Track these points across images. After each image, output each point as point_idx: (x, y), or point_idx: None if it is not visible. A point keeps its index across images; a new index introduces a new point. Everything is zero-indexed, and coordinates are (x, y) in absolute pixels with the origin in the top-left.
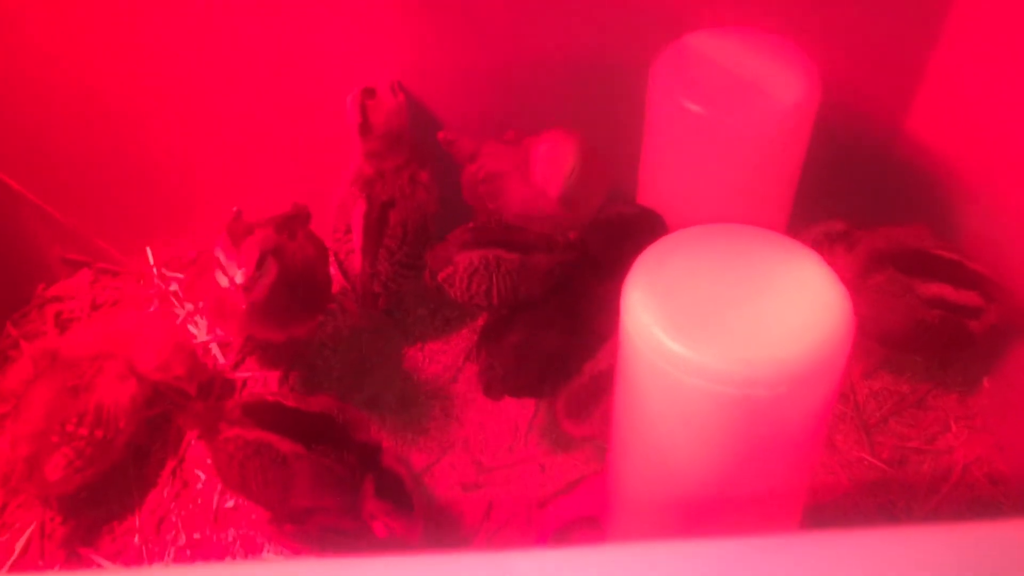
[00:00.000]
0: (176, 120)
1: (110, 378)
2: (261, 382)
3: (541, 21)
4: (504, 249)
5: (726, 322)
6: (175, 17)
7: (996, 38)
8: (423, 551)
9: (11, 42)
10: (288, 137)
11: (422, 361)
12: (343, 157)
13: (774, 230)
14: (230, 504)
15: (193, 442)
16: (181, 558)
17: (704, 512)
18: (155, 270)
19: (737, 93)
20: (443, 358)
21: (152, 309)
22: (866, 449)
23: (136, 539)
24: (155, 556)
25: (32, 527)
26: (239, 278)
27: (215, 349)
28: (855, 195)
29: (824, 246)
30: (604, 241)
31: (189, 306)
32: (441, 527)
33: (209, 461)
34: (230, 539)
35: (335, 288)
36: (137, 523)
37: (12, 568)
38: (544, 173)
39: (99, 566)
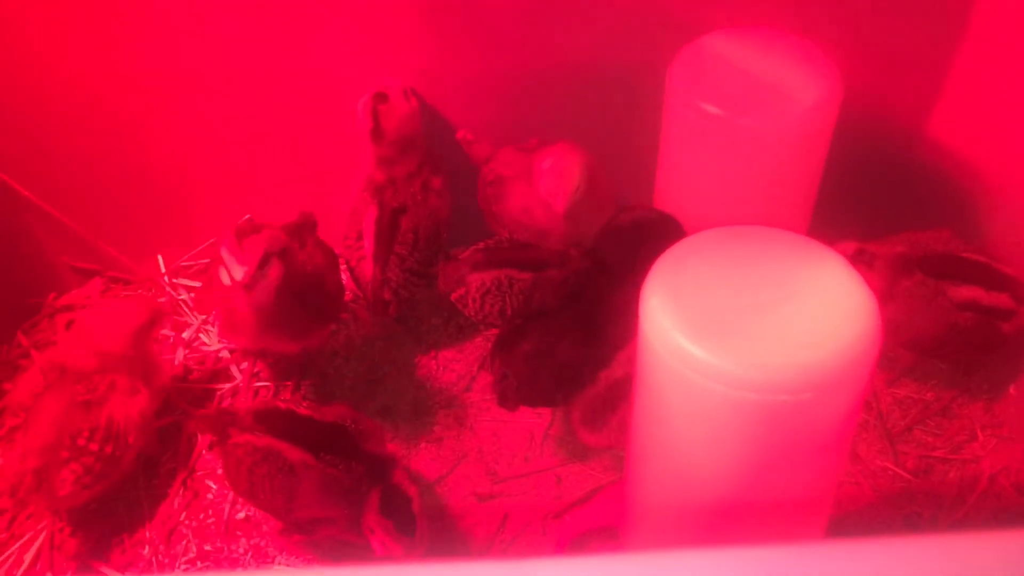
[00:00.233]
0: (187, 126)
1: (121, 393)
2: (273, 391)
3: (554, 25)
4: (516, 268)
5: (748, 326)
6: (185, 24)
7: (1018, 40)
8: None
9: (21, 49)
10: (299, 144)
11: (435, 370)
12: (355, 163)
13: None
14: (241, 515)
15: (204, 452)
16: (192, 569)
17: (726, 521)
18: (166, 278)
19: (756, 94)
20: (457, 367)
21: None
22: (890, 458)
23: (146, 550)
24: (165, 567)
25: (41, 538)
26: (239, 275)
27: (226, 356)
28: (877, 199)
29: None
30: (619, 247)
31: (201, 316)
32: (455, 538)
33: (220, 471)
34: (241, 550)
35: (347, 296)
36: (147, 534)
37: None
38: (549, 188)
39: None
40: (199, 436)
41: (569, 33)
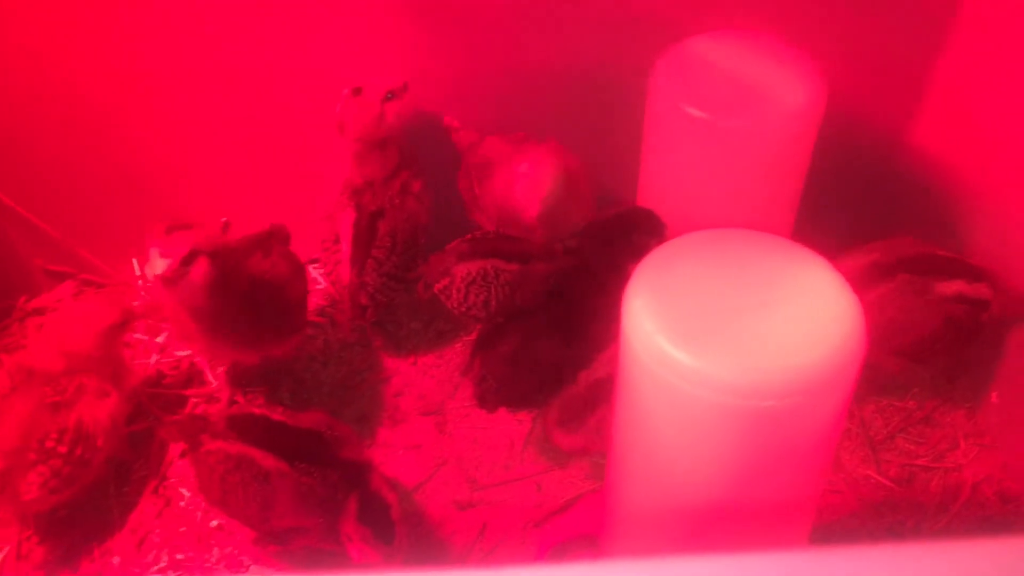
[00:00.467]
0: (164, 126)
1: (90, 395)
2: (248, 398)
3: (538, 26)
4: (503, 259)
5: (733, 330)
6: (165, 25)
7: (1002, 47)
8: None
9: None
10: (279, 146)
11: (415, 375)
12: (335, 166)
13: None
14: (214, 523)
15: (177, 459)
16: None
17: (708, 528)
18: (141, 282)
19: (740, 97)
20: (436, 372)
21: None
22: (873, 467)
23: (116, 560)
24: None
25: (8, 548)
26: (160, 269)
27: (201, 361)
28: (861, 203)
29: None
30: (599, 245)
31: None
32: (433, 546)
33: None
34: (214, 559)
35: (324, 301)
36: (118, 543)
37: None
38: (523, 193)
39: None
40: (171, 442)
41: (553, 35)
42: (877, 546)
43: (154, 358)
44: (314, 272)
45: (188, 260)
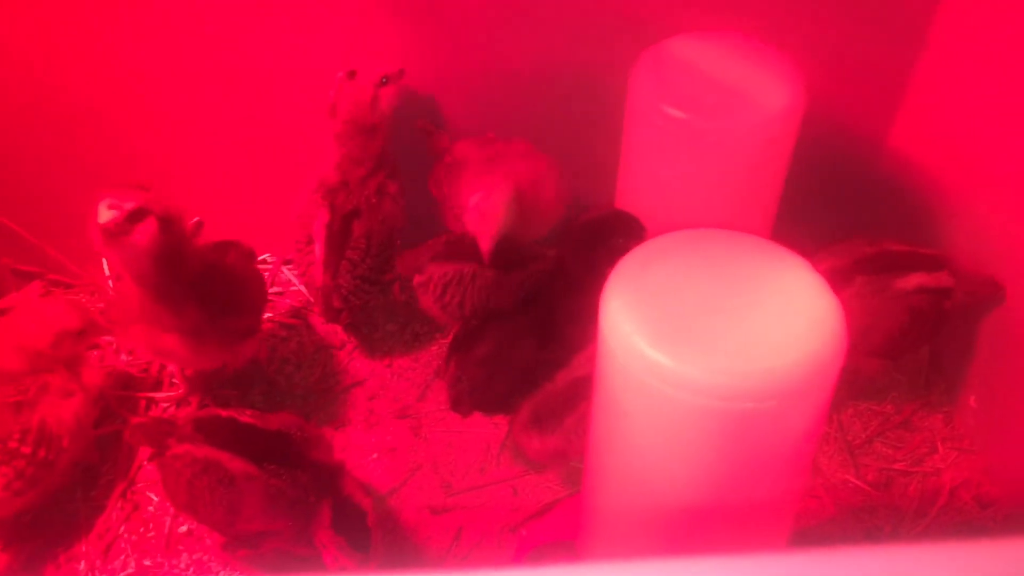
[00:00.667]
0: (136, 124)
1: (54, 394)
2: (218, 401)
3: (518, 26)
4: (479, 263)
5: (712, 331)
6: (140, 23)
7: (979, 52)
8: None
9: None
10: (255, 145)
11: (390, 378)
12: (311, 165)
13: None
14: (183, 528)
15: (145, 463)
16: None
17: (686, 532)
18: (111, 282)
19: (720, 98)
20: (412, 375)
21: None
22: (851, 471)
23: (82, 566)
24: None
25: None
26: (106, 218)
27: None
28: (840, 205)
29: None
30: (577, 248)
31: None
32: (408, 551)
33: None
34: (183, 565)
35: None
36: (84, 548)
37: None
38: (475, 226)
39: None
40: (138, 446)
41: (533, 34)
42: (855, 549)
43: (123, 359)
44: (287, 273)
45: (135, 217)
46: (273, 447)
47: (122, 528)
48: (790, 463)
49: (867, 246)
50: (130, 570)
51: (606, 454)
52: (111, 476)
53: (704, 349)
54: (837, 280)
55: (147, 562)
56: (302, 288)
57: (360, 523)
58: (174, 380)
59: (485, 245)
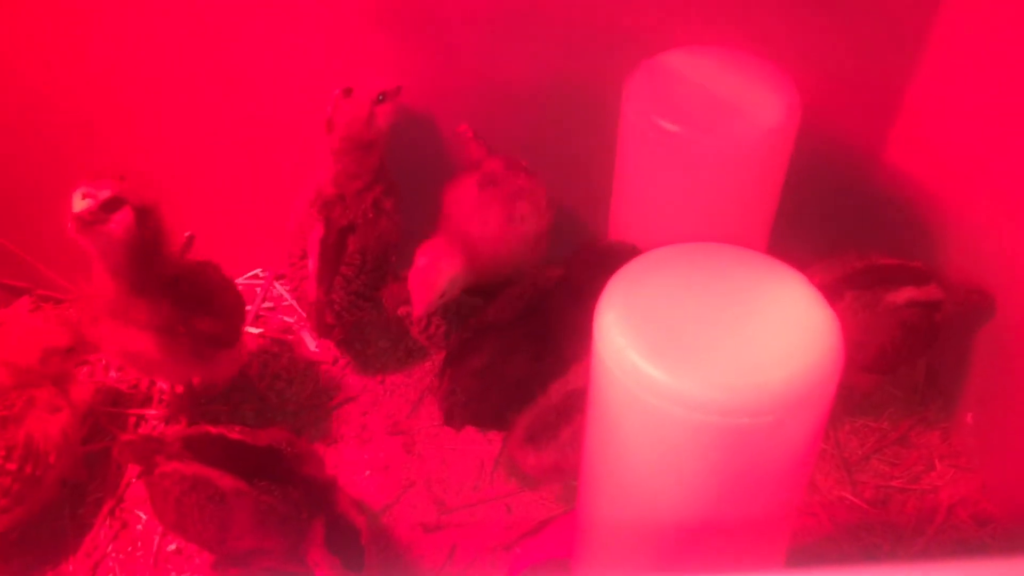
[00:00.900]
0: (127, 139)
1: (40, 409)
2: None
3: (513, 40)
4: (466, 293)
5: (707, 346)
6: (129, 31)
7: (973, 66)
8: None
9: None
10: (250, 161)
11: (382, 394)
12: (306, 182)
13: None
14: (172, 547)
15: (134, 480)
16: None
17: (682, 550)
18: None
19: (715, 112)
20: (405, 391)
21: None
22: (848, 488)
23: None
24: None
25: None
26: (80, 205)
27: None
28: (836, 218)
29: None
30: (582, 271)
31: None
32: (401, 570)
33: None
34: None
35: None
36: (71, 567)
37: None
38: (413, 289)
39: None
40: (126, 463)
41: (528, 48)
42: (852, 567)
43: (112, 375)
44: (279, 288)
45: (110, 206)
46: (263, 463)
47: (110, 547)
48: (787, 479)
49: (856, 260)
50: None
51: (600, 470)
52: (99, 494)
53: (699, 363)
54: (828, 295)
55: None
56: (294, 303)
57: (353, 541)
58: (163, 397)
59: (417, 311)
